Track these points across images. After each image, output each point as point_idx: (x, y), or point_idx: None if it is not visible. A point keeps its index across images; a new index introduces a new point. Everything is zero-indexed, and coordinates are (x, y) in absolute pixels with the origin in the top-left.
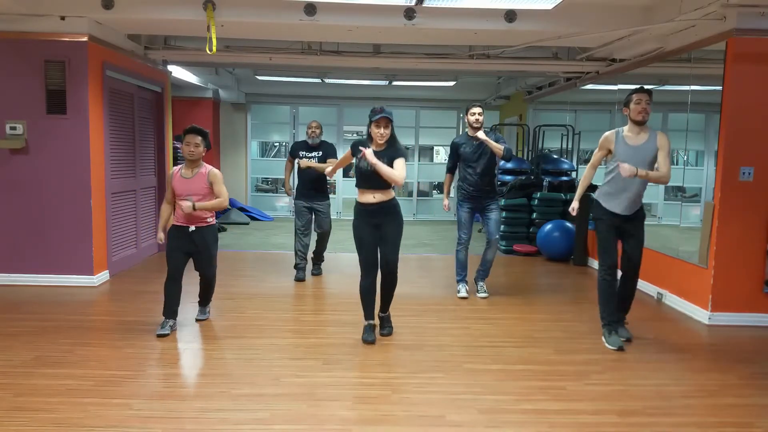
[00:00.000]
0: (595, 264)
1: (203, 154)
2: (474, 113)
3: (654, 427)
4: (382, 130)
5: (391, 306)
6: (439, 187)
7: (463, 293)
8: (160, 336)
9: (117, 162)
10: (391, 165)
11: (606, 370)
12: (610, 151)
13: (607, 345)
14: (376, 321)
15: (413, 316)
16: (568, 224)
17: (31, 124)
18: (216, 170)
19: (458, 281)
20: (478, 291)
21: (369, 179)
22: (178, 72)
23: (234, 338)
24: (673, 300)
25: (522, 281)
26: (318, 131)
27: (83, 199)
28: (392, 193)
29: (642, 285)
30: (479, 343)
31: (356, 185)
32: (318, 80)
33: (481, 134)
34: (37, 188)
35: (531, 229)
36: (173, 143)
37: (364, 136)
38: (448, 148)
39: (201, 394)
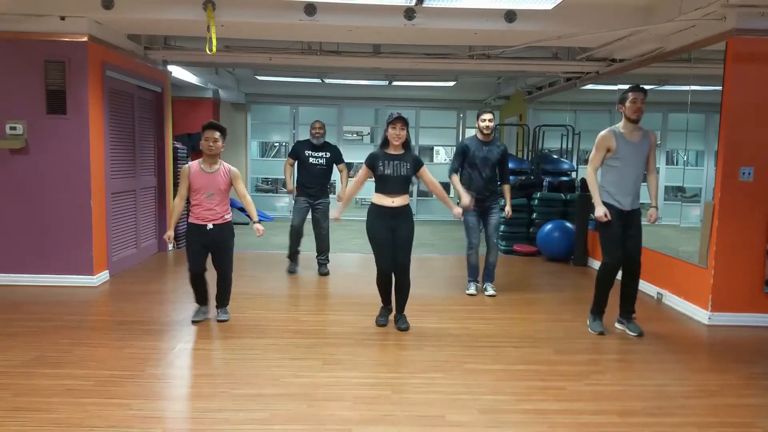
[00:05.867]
0: (595, 264)
1: (221, 149)
2: (484, 119)
3: (654, 427)
4: (398, 131)
5: (399, 305)
6: None
7: (471, 290)
8: (194, 322)
9: (117, 162)
10: (415, 171)
11: (606, 370)
12: (608, 150)
13: (590, 330)
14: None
15: (413, 316)
16: (568, 224)
17: (31, 124)
18: (236, 170)
19: (469, 281)
20: (486, 290)
21: (393, 186)
22: (178, 72)
23: (234, 338)
24: (673, 300)
25: (522, 281)
26: (322, 131)
27: (83, 199)
28: (408, 198)
29: (642, 285)
30: (479, 343)
31: (377, 190)
32: (318, 80)
33: (464, 201)
34: (37, 188)
35: (531, 229)
36: (173, 143)
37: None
38: (449, 149)
39: (201, 394)
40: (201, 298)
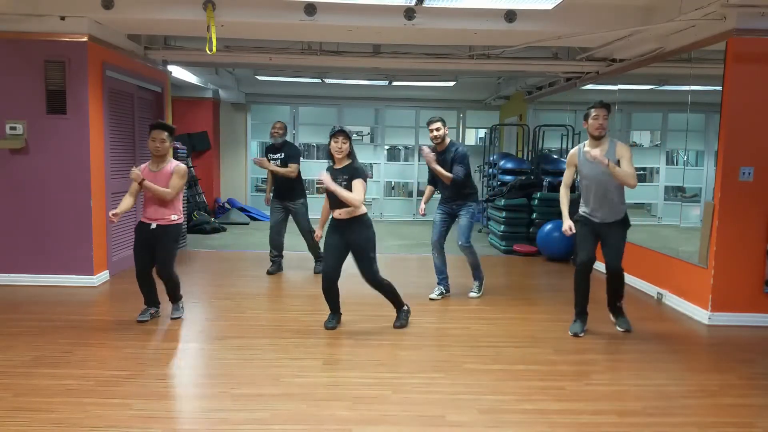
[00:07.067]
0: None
1: (169, 149)
2: (432, 129)
3: (654, 427)
4: (339, 144)
5: (393, 304)
6: None
7: (433, 295)
8: (140, 322)
9: (117, 162)
10: (350, 185)
11: (606, 370)
12: (576, 167)
13: (569, 331)
14: (341, 311)
15: (413, 316)
16: None
17: (31, 124)
18: (182, 166)
19: (437, 283)
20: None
21: (333, 200)
22: (178, 72)
23: (234, 338)
24: (673, 300)
25: (522, 281)
26: (281, 132)
27: (83, 199)
28: (358, 211)
29: (642, 285)
30: (479, 343)
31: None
32: (318, 80)
33: (425, 150)
34: (37, 188)
35: (531, 229)
36: (173, 143)
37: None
38: None
39: (201, 394)
40: (147, 298)
